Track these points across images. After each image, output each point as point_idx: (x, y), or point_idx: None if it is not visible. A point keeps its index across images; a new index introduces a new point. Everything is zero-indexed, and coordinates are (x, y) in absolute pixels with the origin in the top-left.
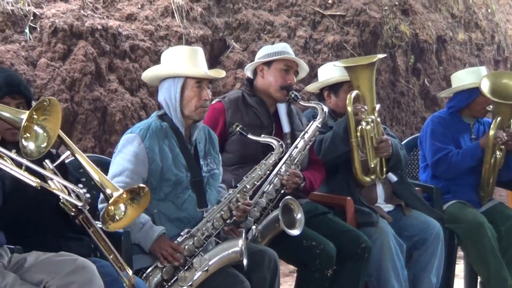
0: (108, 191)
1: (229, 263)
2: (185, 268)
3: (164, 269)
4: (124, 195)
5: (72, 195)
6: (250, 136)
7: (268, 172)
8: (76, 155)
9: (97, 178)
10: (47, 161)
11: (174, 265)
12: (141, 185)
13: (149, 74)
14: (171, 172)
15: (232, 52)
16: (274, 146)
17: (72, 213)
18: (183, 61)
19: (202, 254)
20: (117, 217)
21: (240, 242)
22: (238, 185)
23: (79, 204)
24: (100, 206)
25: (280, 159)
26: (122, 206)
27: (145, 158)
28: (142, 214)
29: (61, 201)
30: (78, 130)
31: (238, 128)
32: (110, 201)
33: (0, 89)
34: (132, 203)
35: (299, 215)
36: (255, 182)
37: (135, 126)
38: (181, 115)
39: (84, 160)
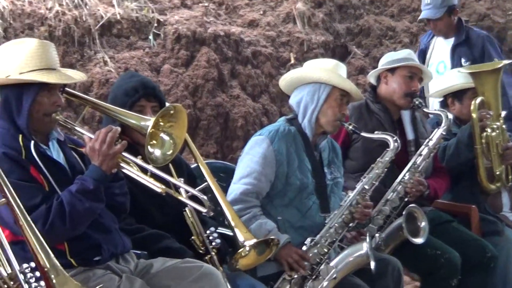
0: (241, 237)
1: (356, 268)
2: (313, 277)
3: (292, 280)
4: (255, 246)
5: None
6: (363, 133)
7: (386, 170)
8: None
9: (231, 220)
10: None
11: (301, 273)
12: (273, 237)
13: (297, 74)
14: (295, 176)
15: (354, 58)
16: (388, 143)
17: (201, 251)
18: (332, 71)
19: (328, 262)
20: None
21: (365, 244)
22: (356, 186)
23: (203, 210)
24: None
25: (396, 156)
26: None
27: (273, 161)
28: (268, 220)
29: (192, 237)
30: (201, 136)
31: (350, 127)
32: (242, 252)
33: (136, 91)
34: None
35: (423, 223)
36: (374, 182)
37: (264, 129)
38: (314, 121)
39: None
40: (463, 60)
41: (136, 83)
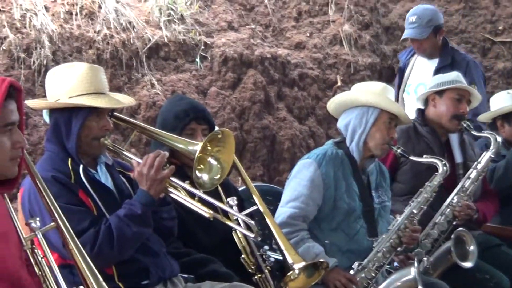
0: (290, 260)
1: None
2: None
3: None
4: (304, 268)
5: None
6: (412, 157)
7: (434, 194)
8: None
9: (280, 243)
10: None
11: None
12: (322, 260)
13: (345, 97)
14: (343, 200)
15: None
16: (437, 166)
17: (251, 270)
18: (380, 94)
19: (376, 286)
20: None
21: (413, 269)
22: (404, 210)
23: (251, 235)
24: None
25: (445, 179)
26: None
27: (320, 184)
28: (316, 244)
29: (242, 256)
30: (247, 158)
31: (399, 150)
32: (292, 275)
33: (187, 115)
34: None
35: (472, 247)
36: (422, 206)
37: (312, 152)
38: (362, 145)
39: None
40: None
41: (186, 106)
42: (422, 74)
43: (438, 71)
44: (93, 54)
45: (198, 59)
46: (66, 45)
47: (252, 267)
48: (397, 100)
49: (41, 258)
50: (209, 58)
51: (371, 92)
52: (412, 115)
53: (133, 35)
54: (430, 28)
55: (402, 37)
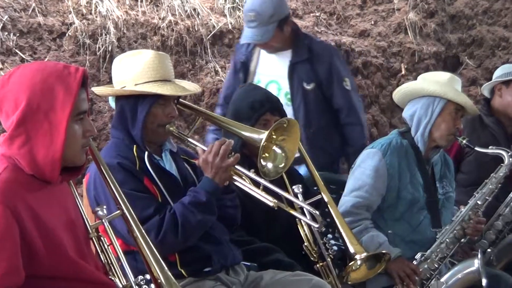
0: (352, 249)
1: (467, 284)
2: None
3: None
4: (366, 259)
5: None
6: (477, 148)
7: (500, 185)
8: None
9: (343, 232)
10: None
11: None
12: (384, 252)
13: (411, 87)
14: (407, 190)
15: (466, 69)
16: (503, 158)
17: (313, 259)
18: (447, 84)
19: (438, 278)
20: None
21: (476, 261)
22: (469, 201)
23: (315, 225)
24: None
25: (510, 170)
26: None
27: (385, 174)
28: (380, 233)
29: (305, 244)
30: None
31: (464, 141)
32: (353, 265)
33: (263, 105)
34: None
35: None
36: (487, 198)
37: (376, 142)
38: (427, 135)
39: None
40: (304, 83)
41: (261, 97)
42: (272, 70)
43: (294, 66)
44: (157, 41)
45: None
46: (131, 32)
47: (314, 255)
48: None
49: (108, 246)
50: None
51: (437, 82)
52: None
53: (197, 22)
54: (274, 24)
55: (241, 41)
